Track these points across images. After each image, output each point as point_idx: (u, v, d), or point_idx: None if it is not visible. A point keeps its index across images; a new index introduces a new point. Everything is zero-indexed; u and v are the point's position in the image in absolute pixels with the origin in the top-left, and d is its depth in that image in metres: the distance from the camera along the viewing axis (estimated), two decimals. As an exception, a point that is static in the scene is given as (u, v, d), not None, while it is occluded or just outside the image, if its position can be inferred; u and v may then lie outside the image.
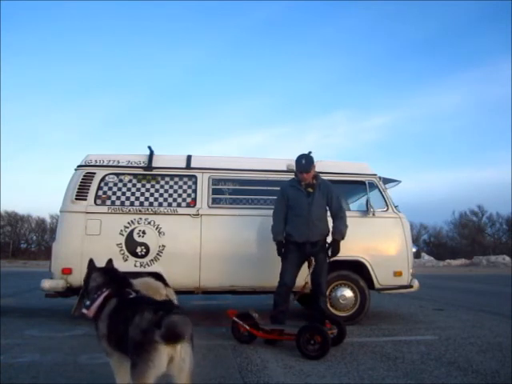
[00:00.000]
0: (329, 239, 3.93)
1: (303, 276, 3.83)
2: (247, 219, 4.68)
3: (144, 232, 4.48)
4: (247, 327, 3.56)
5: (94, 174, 4.64)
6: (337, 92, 66.87)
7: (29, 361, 3.00)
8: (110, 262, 2.38)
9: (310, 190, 3.85)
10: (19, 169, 57.37)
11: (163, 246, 4.48)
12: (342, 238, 3.83)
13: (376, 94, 67.36)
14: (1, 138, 55.31)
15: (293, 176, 4.10)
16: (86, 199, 4.54)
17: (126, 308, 1.98)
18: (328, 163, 5.13)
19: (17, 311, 5.43)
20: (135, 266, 4.41)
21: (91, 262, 2.32)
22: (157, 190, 4.71)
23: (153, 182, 4.74)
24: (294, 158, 5.12)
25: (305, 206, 3.79)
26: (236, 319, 3.63)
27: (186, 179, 4.78)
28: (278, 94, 67.38)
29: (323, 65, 64.92)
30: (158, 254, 4.46)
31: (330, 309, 4.61)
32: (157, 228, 4.51)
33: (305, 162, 3.82)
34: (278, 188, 4.83)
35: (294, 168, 3.93)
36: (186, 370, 1.87)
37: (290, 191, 3.89)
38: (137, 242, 4.46)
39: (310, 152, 5.08)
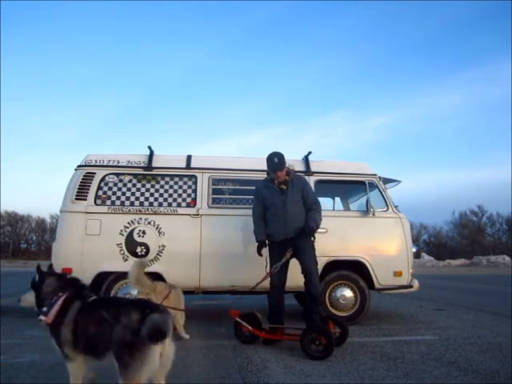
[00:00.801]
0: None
1: (298, 274, 3.82)
2: (247, 219, 4.66)
3: (144, 232, 4.48)
4: (250, 327, 3.55)
5: (94, 174, 4.64)
6: (337, 92, 66.99)
7: (29, 361, 3.00)
8: (50, 266, 2.37)
9: (284, 186, 3.81)
10: (19, 169, 57.44)
11: (163, 246, 4.48)
12: (317, 227, 3.75)
13: (376, 93, 67.42)
14: (1, 138, 55.30)
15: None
16: (86, 199, 4.53)
17: (99, 309, 1.96)
18: (328, 163, 5.13)
19: (17, 311, 5.42)
20: (135, 265, 4.40)
21: (39, 267, 2.28)
22: (157, 190, 4.71)
23: (153, 182, 4.74)
24: (295, 158, 5.18)
25: (280, 204, 3.77)
26: (238, 319, 3.63)
27: (185, 179, 4.78)
28: (278, 94, 67.49)
29: (323, 65, 65.04)
30: (158, 253, 4.46)
31: (330, 309, 4.61)
32: (157, 228, 4.51)
33: (277, 160, 3.76)
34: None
35: (267, 166, 3.87)
36: (168, 367, 1.91)
37: (264, 191, 3.89)
38: (137, 241, 4.46)
39: (309, 152, 5.11)
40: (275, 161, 3.76)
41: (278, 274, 3.74)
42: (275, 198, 3.81)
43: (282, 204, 3.77)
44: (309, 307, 3.66)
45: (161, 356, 1.83)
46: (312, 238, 3.81)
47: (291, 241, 3.74)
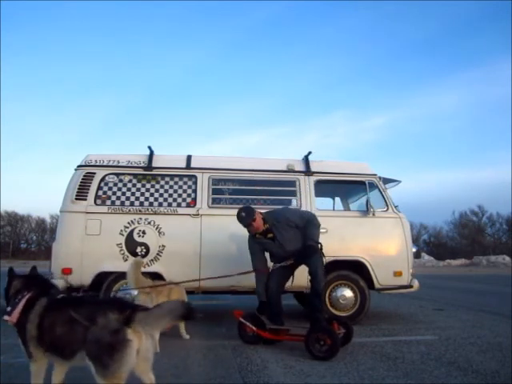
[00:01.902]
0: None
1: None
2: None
3: (144, 232, 4.48)
4: (254, 328, 3.54)
5: (94, 174, 4.64)
6: (336, 92, 66.92)
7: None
8: (33, 268, 2.35)
9: (271, 235, 3.73)
10: (19, 169, 57.45)
11: (163, 246, 4.48)
12: (317, 244, 3.66)
13: (376, 93, 67.38)
14: (1, 138, 55.33)
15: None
16: (86, 199, 4.53)
17: (68, 309, 1.95)
18: (328, 163, 5.14)
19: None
20: (135, 265, 4.40)
21: (11, 270, 2.28)
22: (157, 190, 4.71)
23: (153, 182, 4.74)
24: (294, 157, 5.19)
25: (278, 250, 3.74)
26: (242, 320, 3.61)
27: (185, 179, 4.78)
28: (278, 94, 67.46)
29: (323, 65, 64.98)
30: (158, 253, 4.46)
31: (330, 309, 4.61)
32: (157, 228, 4.51)
33: (245, 213, 3.68)
34: (278, 188, 4.87)
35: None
36: (151, 359, 1.92)
37: (257, 245, 3.81)
38: (137, 241, 4.46)
39: (309, 152, 5.11)
40: (242, 215, 3.68)
41: (276, 278, 3.73)
42: (270, 247, 3.77)
43: (280, 249, 3.73)
44: (313, 304, 3.63)
45: (140, 351, 1.85)
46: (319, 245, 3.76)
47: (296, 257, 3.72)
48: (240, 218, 3.71)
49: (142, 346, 1.84)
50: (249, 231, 3.80)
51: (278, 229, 3.71)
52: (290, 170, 4.93)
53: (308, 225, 3.70)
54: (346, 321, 3.67)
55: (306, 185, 4.86)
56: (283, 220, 3.73)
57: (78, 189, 4.56)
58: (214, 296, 6.41)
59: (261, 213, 3.77)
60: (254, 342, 3.57)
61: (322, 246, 3.74)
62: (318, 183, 4.93)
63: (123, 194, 4.65)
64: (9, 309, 2.08)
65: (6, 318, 2.06)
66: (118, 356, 1.76)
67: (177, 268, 4.43)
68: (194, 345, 3.57)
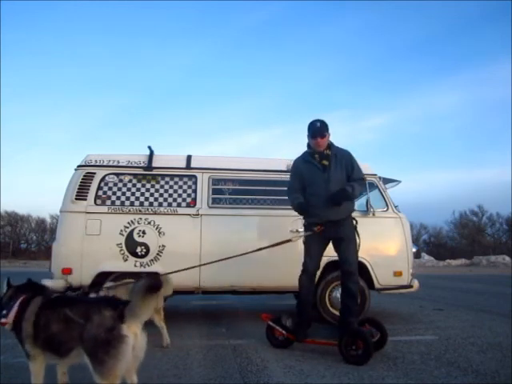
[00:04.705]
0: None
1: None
2: (247, 219, 4.69)
3: (144, 232, 4.49)
4: (284, 332, 3.42)
5: (94, 173, 4.64)
6: (336, 92, 66.68)
7: (29, 361, 2.99)
8: (28, 280, 2.42)
9: (325, 162, 3.40)
10: (19, 169, 57.42)
11: (163, 245, 4.48)
12: (352, 194, 3.35)
13: (375, 93, 67.21)
14: (1, 138, 55.37)
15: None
16: (86, 199, 4.54)
17: (63, 307, 1.98)
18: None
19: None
20: (135, 265, 4.41)
21: (8, 280, 2.38)
22: (157, 190, 4.71)
23: (153, 182, 4.75)
24: (294, 158, 5.17)
25: (321, 184, 3.38)
26: (271, 323, 3.50)
27: (185, 179, 4.79)
28: (277, 94, 67.28)
29: (322, 65, 64.79)
30: (157, 253, 4.46)
31: (330, 309, 4.60)
32: (157, 228, 4.51)
33: (320, 124, 3.37)
34: (279, 188, 4.86)
35: (307, 133, 3.46)
36: (140, 358, 1.92)
37: (304, 166, 3.49)
38: (137, 241, 4.46)
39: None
40: (317, 125, 3.37)
41: (313, 259, 3.44)
42: (316, 176, 3.41)
43: (324, 183, 3.37)
44: (346, 307, 3.37)
45: (135, 348, 1.85)
46: (354, 222, 3.50)
47: (332, 224, 3.38)
48: (314, 127, 3.39)
49: (136, 343, 1.86)
50: (311, 144, 3.47)
51: (337, 162, 3.42)
52: (289, 170, 4.93)
53: (357, 182, 3.44)
54: (381, 322, 3.40)
55: (306, 185, 4.86)
56: (346, 158, 3.47)
57: (78, 189, 4.57)
58: (214, 296, 6.41)
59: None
60: (285, 345, 3.44)
61: (357, 222, 3.48)
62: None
63: (123, 193, 4.65)
64: (4, 312, 2.12)
65: (2, 320, 2.10)
66: (115, 352, 1.77)
67: (177, 268, 4.42)
68: (194, 345, 3.57)
